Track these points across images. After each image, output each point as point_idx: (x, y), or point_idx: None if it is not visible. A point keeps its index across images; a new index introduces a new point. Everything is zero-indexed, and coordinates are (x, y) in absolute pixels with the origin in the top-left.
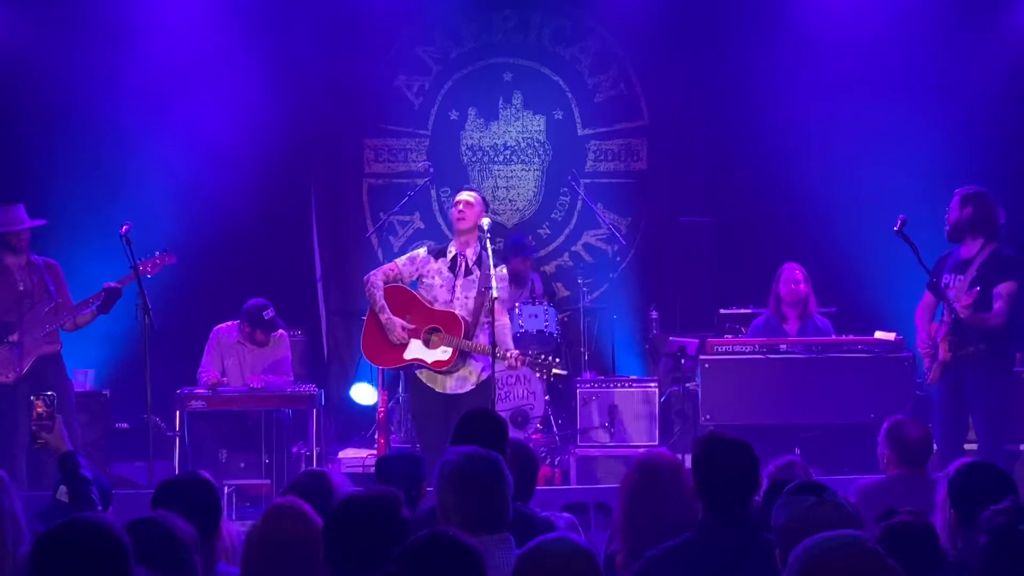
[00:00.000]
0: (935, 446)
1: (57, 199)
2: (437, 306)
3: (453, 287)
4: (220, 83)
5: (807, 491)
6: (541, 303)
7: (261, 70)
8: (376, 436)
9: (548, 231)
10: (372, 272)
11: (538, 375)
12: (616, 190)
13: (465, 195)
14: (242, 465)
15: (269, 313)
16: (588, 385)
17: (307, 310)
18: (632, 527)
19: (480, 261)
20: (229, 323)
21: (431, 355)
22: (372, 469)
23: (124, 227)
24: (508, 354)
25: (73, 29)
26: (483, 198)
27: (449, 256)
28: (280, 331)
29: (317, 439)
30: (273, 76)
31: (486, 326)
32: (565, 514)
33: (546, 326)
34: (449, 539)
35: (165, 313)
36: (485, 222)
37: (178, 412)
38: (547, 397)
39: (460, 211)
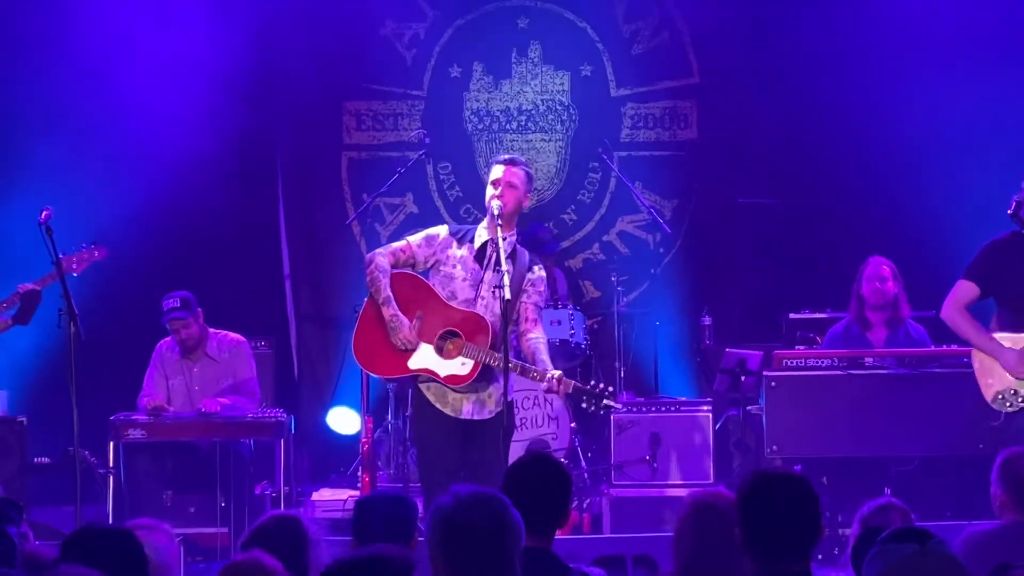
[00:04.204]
0: None
1: None
2: (456, 304)
3: (479, 282)
4: (165, 36)
5: (907, 538)
6: (565, 306)
7: (215, 19)
8: (359, 473)
9: (574, 217)
10: (377, 251)
11: (584, 405)
12: (659, 165)
13: (505, 171)
14: (192, 509)
15: (169, 303)
16: (625, 409)
17: (273, 316)
18: None
19: (516, 254)
20: None
21: (445, 367)
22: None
23: (44, 213)
24: (547, 376)
25: None
26: (529, 174)
27: (477, 242)
28: (234, 337)
29: (286, 477)
30: (230, 25)
31: (514, 335)
32: (596, 569)
33: (572, 335)
34: None
35: (96, 321)
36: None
37: (112, 444)
38: (573, 424)
39: (498, 194)
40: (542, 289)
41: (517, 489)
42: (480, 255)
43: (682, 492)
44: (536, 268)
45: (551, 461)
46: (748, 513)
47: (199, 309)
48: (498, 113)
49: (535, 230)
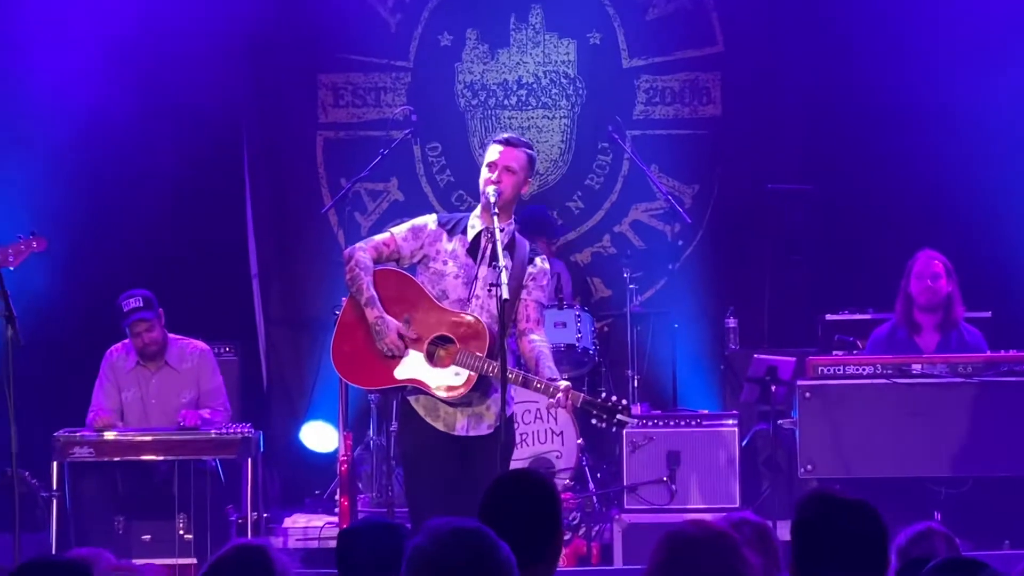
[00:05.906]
0: None
1: None
2: (448, 304)
3: (472, 280)
4: (113, 2)
5: (957, 570)
6: (571, 306)
7: None
8: (337, 496)
9: (581, 205)
10: (356, 246)
11: (594, 422)
12: (678, 145)
13: (503, 152)
14: (146, 538)
15: (130, 303)
16: (639, 423)
17: (239, 319)
18: None
19: (514, 245)
20: (127, 341)
21: (436, 377)
22: (332, 542)
23: None
24: (552, 389)
25: None
26: (530, 156)
27: (470, 234)
28: (198, 344)
29: (254, 501)
30: None
31: (512, 336)
32: None
33: (578, 339)
34: None
35: (36, 324)
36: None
37: (56, 464)
38: (581, 440)
39: (495, 178)
40: (545, 283)
41: (495, 516)
42: (474, 248)
43: (704, 517)
44: (538, 260)
45: (532, 477)
46: (806, 544)
47: (160, 310)
48: (494, 87)
49: (538, 212)
